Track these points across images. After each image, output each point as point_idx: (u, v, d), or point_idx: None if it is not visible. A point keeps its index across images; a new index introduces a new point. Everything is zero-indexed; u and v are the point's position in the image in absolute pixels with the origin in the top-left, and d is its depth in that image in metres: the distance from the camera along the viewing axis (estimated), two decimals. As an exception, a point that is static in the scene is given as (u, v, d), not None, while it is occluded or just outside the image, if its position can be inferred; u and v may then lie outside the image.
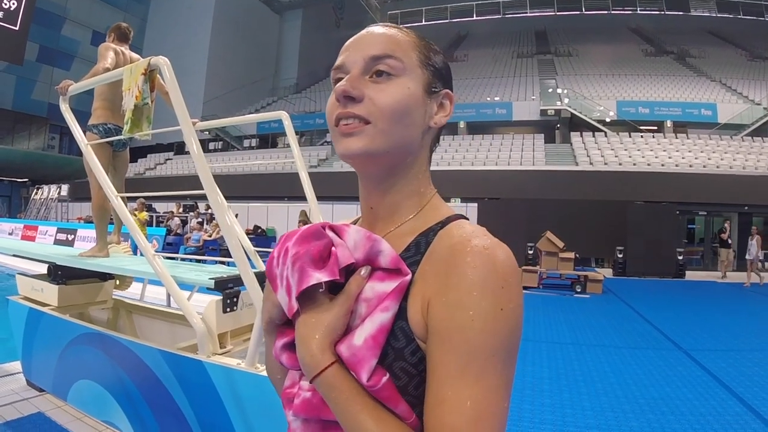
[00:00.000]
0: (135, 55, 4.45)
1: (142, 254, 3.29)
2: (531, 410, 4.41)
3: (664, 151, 20.64)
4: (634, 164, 19.65)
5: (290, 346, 0.75)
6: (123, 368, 3.26)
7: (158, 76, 2.83)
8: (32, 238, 17.02)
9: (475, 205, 17.70)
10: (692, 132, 23.34)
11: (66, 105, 3.59)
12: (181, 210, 20.25)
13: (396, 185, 0.82)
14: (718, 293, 13.03)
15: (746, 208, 17.63)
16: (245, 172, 23.76)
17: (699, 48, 36.01)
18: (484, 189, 18.82)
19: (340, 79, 0.80)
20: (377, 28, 0.82)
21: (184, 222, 18.77)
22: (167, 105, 3.18)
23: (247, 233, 17.45)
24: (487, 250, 0.68)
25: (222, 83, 38.90)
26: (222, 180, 2.64)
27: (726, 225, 15.80)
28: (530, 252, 14.43)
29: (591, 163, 20.36)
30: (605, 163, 20.04)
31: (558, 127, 26.80)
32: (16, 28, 29.45)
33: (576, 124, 25.66)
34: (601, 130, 24.31)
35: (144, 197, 13.11)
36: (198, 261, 5.14)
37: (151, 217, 19.23)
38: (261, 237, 17.98)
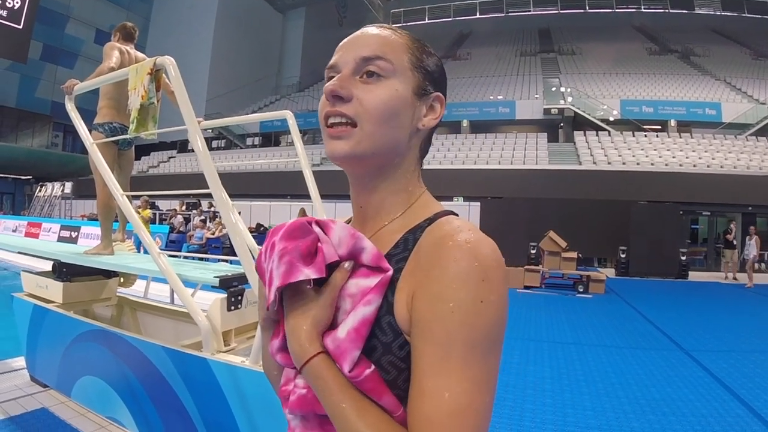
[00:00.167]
0: (140, 55, 4.47)
1: (146, 252, 3.31)
2: (533, 410, 4.41)
3: (668, 150, 20.58)
4: (638, 164, 19.60)
5: (285, 346, 0.76)
6: (127, 365, 3.28)
7: (164, 75, 2.84)
8: (36, 235, 17.07)
9: (478, 204, 17.67)
10: (696, 131, 23.25)
11: (71, 104, 3.61)
12: (184, 208, 20.28)
13: (383, 185, 0.83)
14: (721, 294, 12.99)
15: (750, 208, 17.56)
16: (248, 170, 23.79)
17: (703, 46, 35.91)
18: (487, 188, 18.79)
19: (332, 78, 0.81)
20: (371, 29, 0.83)
21: (187, 220, 18.80)
22: (172, 104, 3.20)
23: (250, 231, 17.48)
24: (469, 244, 0.69)
25: (225, 82, 38.95)
26: (225, 178, 2.64)
27: (732, 226, 15.72)
28: (533, 251, 14.41)
29: (594, 163, 20.33)
30: (609, 163, 20.00)
31: (561, 126, 26.75)
32: (20, 27, 29.54)
33: (579, 123, 25.62)
34: (605, 129, 24.24)
35: (148, 195, 13.13)
36: (201, 259, 5.16)
37: (155, 214, 19.27)
38: (263, 235, 17.99)
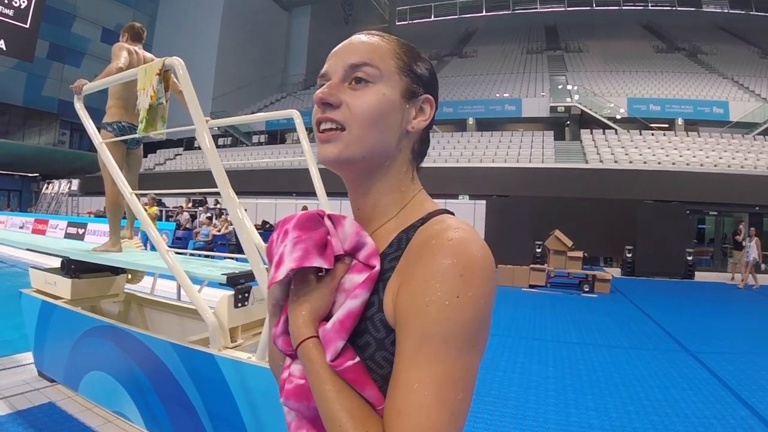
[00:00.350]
0: (149, 55, 4.50)
1: (153, 249, 3.34)
2: (535, 409, 4.42)
3: (675, 149, 20.48)
4: (645, 162, 19.50)
5: (286, 331, 0.81)
6: (135, 360, 3.31)
7: (172, 75, 2.87)
8: (43, 232, 17.13)
9: (483, 202, 17.63)
10: (703, 130, 23.07)
11: (81, 104, 3.65)
12: (190, 205, 20.35)
13: (376, 186, 0.86)
14: (727, 295, 12.92)
15: (757, 208, 17.40)
16: (254, 167, 23.84)
17: (711, 45, 35.68)
18: (493, 186, 18.72)
19: (323, 86, 0.85)
20: (359, 37, 0.86)
21: (194, 217, 18.87)
22: (180, 103, 3.22)
23: (256, 228, 17.53)
24: (451, 242, 0.70)
25: (231, 80, 39.02)
26: (231, 175, 2.67)
27: (741, 226, 15.59)
28: (538, 250, 14.39)
29: (601, 161, 20.24)
30: (615, 161, 19.91)
31: (568, 124, 26.69)
32: (27, 26, 29.71)
33: (586, 121, 25.54)
34: (612, 128, 24.14)
35: (155, 194, 13.17)
36: (207, 256, 5.19)
37: (161, 211, 19.35)
38: (269, 232, 18.02)
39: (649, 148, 20.89)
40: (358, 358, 0.72)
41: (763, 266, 14.00)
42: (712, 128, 23.36)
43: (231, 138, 34.15)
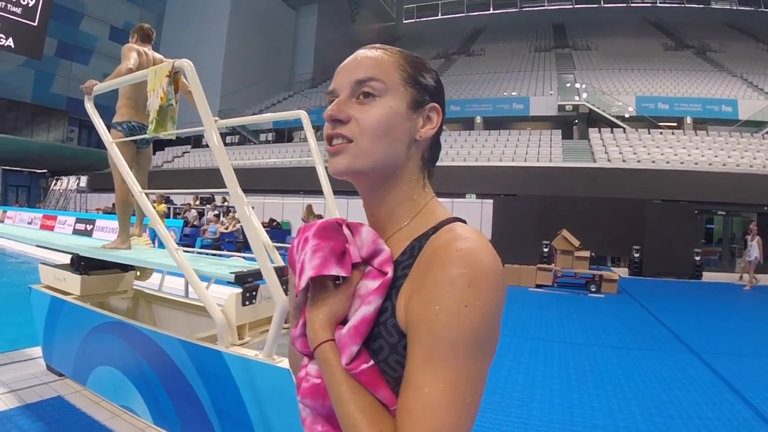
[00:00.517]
0: (158, 56, 4.53)
1: (162, 246, 3.37)
2: (540, 409, 4.43)
3: (684, 148, 20.36)
4: (653, 161, 19.39)
5: (305, 333, 0.85)
6: (143, 356, 3.35)
7: (182, 76, 2.90)
8: (51, 228, 17.24)
9: (491, 201, 17.59)
10: (712, 129, 22.83)
11: (91, 104, 3.69)
12: (198, 202, 20.44)
13: (388, 195, 0.88)
14: (734, 296, 12.83)
15: (766, 208, 17.21)
16: (261, 166, 23.88)
17: (720, 42, 35.48)
18: (500, 185, 18.66)
19: (332, 102, 0.87)
20: (363, 52, 0.89)
21: (201, 214, 18.96)
22: (189, 103, 3.26)
23: (263, 226, 17.58)
24: (460, 252, 0.73)
25: (238, 78, 39.09)
26: (238, 173, 2.70)
27: (752, 226, 15.43)
28: (545, 250, 14.36)
29: (609, 160, 20.14)
30: (623, 160, 19.81)
31: (576, 122, 26.60)
32: (35, 24, 29.91)
33: (594, 119, 25.42)
34: (620, 126, 24.02)
35: (163, 192, 13.25)
36: (214, 254, 5.23)
37: (169, 209, 19.44)
38: (276, 230, 18.12)
39: (657, 147, 20.78)
40: (372, 362, 0.76)
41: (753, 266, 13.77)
42: (721, 127, 23.14)
43: (239, 136, 34.25)
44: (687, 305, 11.08)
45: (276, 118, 5.03)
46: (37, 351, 4.94)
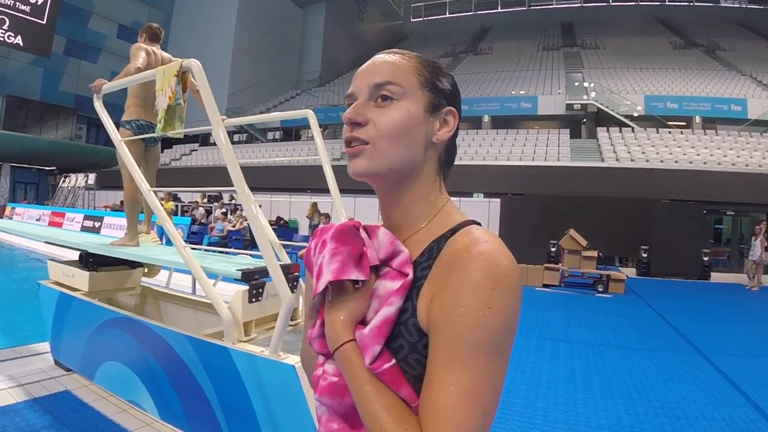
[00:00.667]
0: (166, 55, 4.56)
1: (169, 243, 3.40)
2: (545, 408, 4.43)
3: (693, 147, 20.22)
4: (661, 161, 19.27)
5: (322, 334, 0.87)
6: (150, 352, 3.38)
7: (190, 76, 2.92)
8: (59, 225, 17.34)
9: (498, 200, 17.57)
10: (721, 128, 22.61)
11: (100, 103, 3.72)
12: (205, 200, 20.51)
13: (405, 197, 0.90)
14: (742, 297, 12.74)
15: (776, 208, 17.19)
16: (268, 164, 23.90)
17: (729, 41, 35.15)
18: (508, 184, 18.60)
19: (352, 103, 0.89)
20: (382, 56, 0.91)
21: (209, 212, 19.03)
22: (197, 102, 3.28)
23: (270, 224, 17.62)
24: (483, 255, 0.75)
25: (246, 76, 39.16)
26: (246, 172, 2.72)
27: (759, 227, 15.30)
28: (553, 249, 14.33)
29: (617, 160, 20.04)
30: (632, 160, 19.70)
31: (584, 121, 26.47)
32: (43, 22, 30.08)
33: (602, 118, 25.27)
34: (628, 126, 23.89)
35: (171, 190, 13.29)
36: (222, 252, 5.27)
37: (177, 207, 19.51)
38: (283, 228, 18.15)
39: (666, 146, 20.67)
40: (393, 361, 0.78)
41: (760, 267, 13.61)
42: (730, 126, 22.91)
43: (246, 134, 34.29)
44: (694, 306, 11.04)
45: (283, 117, 5.06)
46: (45, 346, 4.98)
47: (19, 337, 5.50)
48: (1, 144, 30.18)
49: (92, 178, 30.41)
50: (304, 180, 18.63)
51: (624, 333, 7.65)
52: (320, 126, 4.01)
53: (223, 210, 17.29)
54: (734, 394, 5.04)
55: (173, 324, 3.97)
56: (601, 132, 23.35)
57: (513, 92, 29.23)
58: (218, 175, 2.60)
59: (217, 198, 20.13)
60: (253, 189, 3.48)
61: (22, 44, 29.56)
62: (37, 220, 19.18)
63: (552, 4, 50.74)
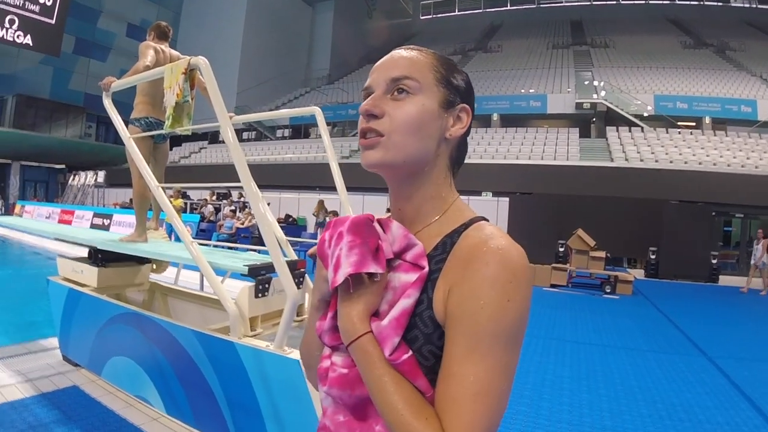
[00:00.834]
0: (174, 53, 4.59)
1: (178, 240, 3.42)
2: (549, 408, 4.43)
3: (702, 148, 20.11)
4: (671, 162, 19.16)
5: (333, 327, 0.88)
6: (157, 347, 3.41)
7: (198, 73, 2.95)
8: (69, 222, 17.41)
9: (507, 199, 17.54)
10: (731, 129, 22.45)
11: (109, 100, 3.75)
12: (214, 198, 20.58)
13: (419, 191, 0.92)
14: (750, 300, 12.61)
15: (785, 210, 17.03)
16: (277, 161, 23.96)
17: (739, 41, 34.82)
18: (516, 183, 18.58)
19: (368, 96, 0.91)
20: (399, 52, 0.93)
21: (218, 209, 19.09)
22: (205, 99, 3.31)
23: (279, 222, 17.65)
24: (501, 250, 0.78)
25: (255, 74, 39.30)
26: (255, 169, 2.75)
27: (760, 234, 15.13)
28: (561, 249, 14.28)
29: (626, 160, 19.94)
30: (641, 160, 19.60)
31: (594, 121, 26.36)
32: (53, 22, 30.30)
33: (612, 118, 25.16)
34: (638, 125, 23.78)
35: (180, 187, 13.36)
36: (230, 248, 5.30)
37: (186, 204, 19.58)
38: (292, 226, 18.17)
39: (675, 146, 20.56)
40: (411, 352, 0.80)
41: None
42: (740, 127, 22.74)
43: (255, 132, 34.40)
44: (702, 308, 10.99)
45: (290, 114, 5.07)
46: (53, 342, 5.03)
47: (29, 334, 5.56)
48: (11, 142, 30.42)
49: (101, 175, 30.67)
50: (313, 178, 18.67)
51: (630, 334, 7.63)
52: (329, 124, 4.04)
53: (232, 207, 17.33)
54: (739, 398, 5.01)
55: (181, 320, 4.00)
56: (611, 131, 23.27)
57: (522, 91, 29.12)
58: (227, 173, 2.61)
59: (226, 195, 20.19)
60: (263, 187, 3.50)
61: (31, 44, 29.78)
62: (47, 217, 19.21)
63: (562, 3, 50.51)
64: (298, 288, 2.88)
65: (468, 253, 0.80)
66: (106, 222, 15.83)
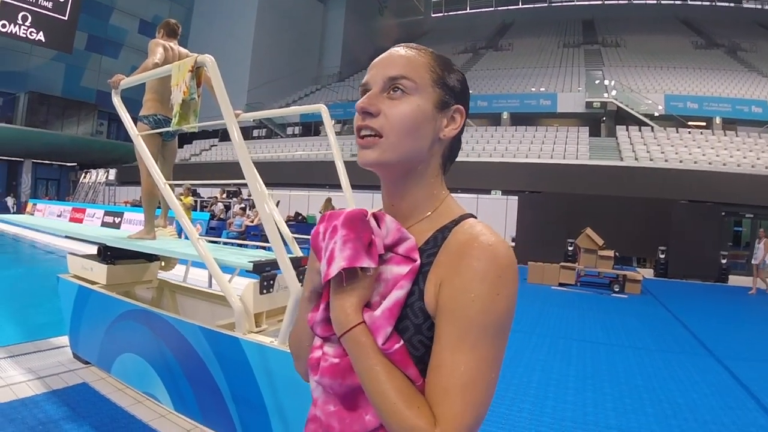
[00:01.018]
0: (183, 50, 4.62)
1: (187, 238, 3.46)
2: (553, 407, 4.42)
3: (712, 148, 20.01)
4: (681, 161, 19.10)
5: (326, 318, 0.91)
6: (165, 343, 3.44)
7: (205, 71, 2.98)
8: (80, 220, 17.52)
9: (516, 198, 17.51)
10: (741, 130, 22.32)
11: (118, 98, 3.79)
12: (224, 196, 20.65)
13: (412, 188, 0.95)
14: (759, 300, 12.52)
15: (795, 211, 16.90)
16: (287, 159, 24.01)
17: (751, 41, 34.49)
18: (526, 182, 18.58)
19: (366, 93, 0.93)
20: (398, 50, 0.95)
21: (228, 207, 19.17)
22: (212, 96, 3.35)
23: (288, 220, 17.72)
24: (491, 246, 0.82)
25: (266, 71, 39.35)
26: (265, 167, 2.79)
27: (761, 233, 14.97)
28: (570, 248, 14.24)
29: (636, 159, 19.90)
30: (651, 159, 19.55)
31: (604, 120, 26.26)
32: (65, 18, 30.46)
33: (622, 117, 25.08)
34: (648, 125, 23.66)
35: (190, 184, 13.42)
36: (240, 245, 5.34)
37: (196, 202, 19.67)
38: (302, 224, 18.21)
39: (685, 146, 20.47)
40: (402, 341, 0.83)
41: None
42: (751, 128, 22.60)
43: (266, 129, 34.50)
44: (710, 308, 10.92)
45: (296, 111, 5.11)
46: (63, 340, 5.09)
47: (39, 332, 5.62)
48: (23, 140, 30.69)
49: (112, 173, 30.83)
50: (323, 175, 18.67)
51: (637, 334, 7.60)
52: (340, 121, 4.06)
53: (242, 205, 17.38)
54: (746, 398, 4.98)
55: (189, 317, 4.03)
56: (621, 131, 23.19)
57: (533, 89, 29.07)
58: (237, 170, 2.65)
59: (236, 193, 20.26)
60: (273, 184, 3.53)
61: (44, 40, 29.95)
62: (58, 216, 19.32)
63: (573, 2, 50.26)
64: (302, 284, 2.89)
65: (459, 249, 0.84)
66: (117, 220, 15.89)
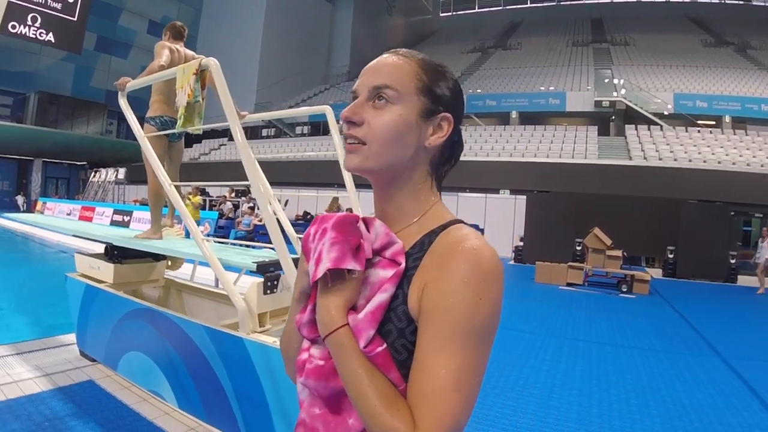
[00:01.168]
0: (189, 52, 4.65)
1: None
2: (557, 407, 4.42)
3: (722, 147, 19.85)
4: (690, 161, 18.95)
5: (312, 319, 0.92)
6: (170, 342, 3.47)
7: (210, 73, 3.00)
8: (89, 219, 17.61)
9: (524, 197, 17.43)
10: (751, 128, 22.09)
11: (124, 100, 3.83)
12: (233, 195, 20.73)
13: (398, 193, 0.96)
14: (767, 300, 12.52)
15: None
16: (296, 159, 24.06)
17: (760, 39, 34.12)
18: (534, 181, 18.48)
19: (355, 98, 0.94)
20: (385, 58, 0.95)
21: (236, 206, 19.23)
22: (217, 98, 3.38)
23: (297, 219, 17.77)
24: (475, 251, 0.82)
25: (275, 71, 39.44)
26: (274, 166, 2.81)
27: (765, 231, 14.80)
28: (578, 248, 14.18)
29: (645, 158, 19.78)
30: (660, 159, 19.41)
31: (613, 119, 26.12)
32: (75, 19, 30.56)
33: (631, 116, 24.92)
34: (657, 124, 23.51)
35: (195, 186, 13.49)
36: (246, 246, 5.37)
37: (205, 201, 19.75)
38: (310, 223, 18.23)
39: (694, 145, 20.32)
40: (385, 345, 0.83)
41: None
42: (761, 127, 22.33)
43: (275, 129, 34.57)
44: (718, 309, 10.86)
45: (301, 113, 5.13)
46: (70, 338, 5.15)
47: (47, 329, 5.69)
48: (33, 139, 30.96)
49: (122, 172, 31.01)
50: (332, 175, 18.66)
51: (644, 334, 7.57)
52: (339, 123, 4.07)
53: (251, 204, 17.43)
54: (752, 399, 4.96)
55: (195, 316, 4.06)
56: (630, 130, 23.05)
57: (541, 88, 28.96)
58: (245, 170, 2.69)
59: (245, 192, 20.32)
60: (282, 184, 3.56)
61: (53, 41, 30.03)
62: (68, 214, 19.44)
63: (582, 0, 50.12)
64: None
65: (443, 253, 0.84)
66: (126, 219, 15.98)
